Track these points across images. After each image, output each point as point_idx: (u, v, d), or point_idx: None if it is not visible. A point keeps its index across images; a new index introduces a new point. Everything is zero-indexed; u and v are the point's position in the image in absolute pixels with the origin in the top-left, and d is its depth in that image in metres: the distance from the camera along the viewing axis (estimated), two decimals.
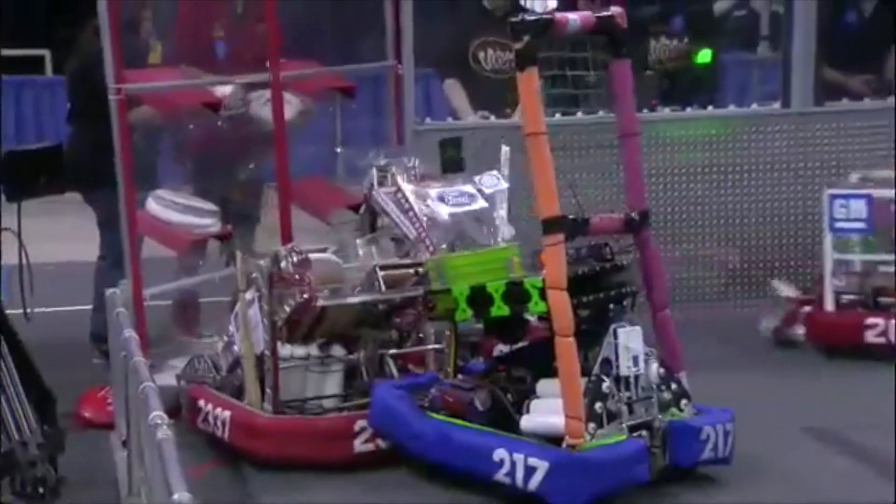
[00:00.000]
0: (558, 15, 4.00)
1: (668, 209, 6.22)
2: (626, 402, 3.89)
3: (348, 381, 4.43)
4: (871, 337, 5.41)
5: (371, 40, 6.16)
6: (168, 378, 4.83)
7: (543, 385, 3.94)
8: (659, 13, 6.74)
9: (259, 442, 4.26)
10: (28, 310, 4.13)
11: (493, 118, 6.31)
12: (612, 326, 3.91)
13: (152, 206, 5.24)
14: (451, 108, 6.60)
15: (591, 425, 3.77)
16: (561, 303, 3.78)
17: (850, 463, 4.31)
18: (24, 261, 4.09)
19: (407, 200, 4.56)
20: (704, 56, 6.85)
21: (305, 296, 4.26)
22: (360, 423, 4.19)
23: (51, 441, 3.95)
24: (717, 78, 7.33)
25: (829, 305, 5.54)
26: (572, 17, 4.04)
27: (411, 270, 4.42)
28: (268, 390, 4.33)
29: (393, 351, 4.46)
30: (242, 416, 4.36)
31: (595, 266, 4.02)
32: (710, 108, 6.52)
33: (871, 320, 5.42)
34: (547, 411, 3.85)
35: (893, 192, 5.46)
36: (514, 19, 3.92)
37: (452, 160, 4.85)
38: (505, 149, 4.84)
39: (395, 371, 4.43)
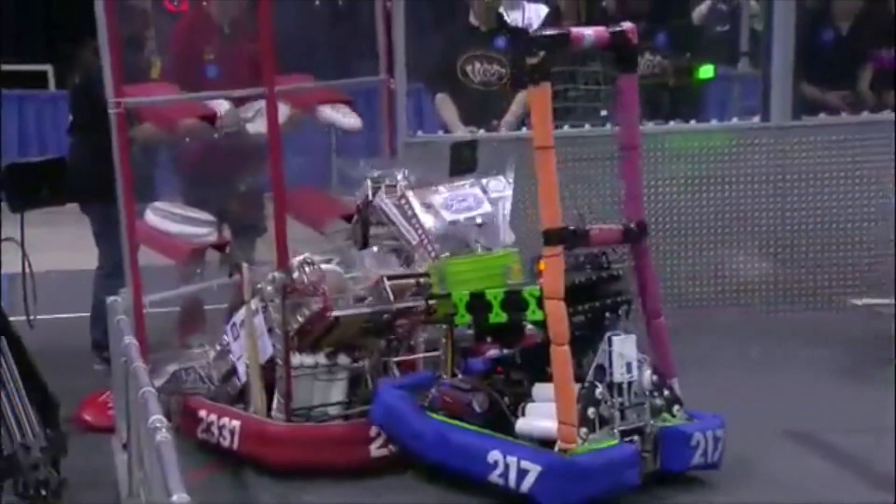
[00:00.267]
0: (574, 31, 4.00)
1: (651, 219, 6.22)
2: (618, 408, 3.91)
3: (352, 388, 4.42)
4: None
5: (364, 56, 6.17)
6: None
7: (539, 389, 3.96)
8: (644, 30, 6.74)
9: (273, 449, 4.24)
10: (31, 317, 4.11)
11: (481, 131, 6.31)
12: (607, 334, 3.93)
13: (150, 217, 5.24)
14: (442, 122, 6.61)
15: (584, 430, 3.79)
16: (557, 312, 3.80)
17: (832, 466, 4.33)
18: (27, 269, 4.08)
19: (411, 208, 4.54)
20: (707, 71, 6.86)
21: (320, 306, 4.26)
22: (376, 429, 4.20)
23: (53, 444, 3.93)
24: (700, 93, 7.34)
25: None
26: (587, 32, 4.03)
27: (413, 280, 4.41)
28: (279, 398, 4.31)
29: (397, 358, 4.46)
30: (254, 425, 4.35)
31: (592, 275, 4.03)
32: (692, 121, 6.54)
33: None
34: (541, 415, 3.87)
35: None
36: (532, 34, 3.96)
37: (465, 162, 4.83)
38: (512, 157, 4.82)
39: (398, 376, 4.44)
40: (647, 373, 4.00)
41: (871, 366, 5.41)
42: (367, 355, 4.43)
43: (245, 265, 4.64)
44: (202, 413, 4.52)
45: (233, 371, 4.63)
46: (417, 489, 4.09)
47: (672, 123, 6.39)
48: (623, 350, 3.92)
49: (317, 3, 5.84)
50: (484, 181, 4.70)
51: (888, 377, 5.26)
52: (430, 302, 4.24)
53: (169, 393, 4.67)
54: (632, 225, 4.14)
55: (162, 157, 5.89)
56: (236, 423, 4.38)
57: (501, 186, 4.67)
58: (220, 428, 4.42)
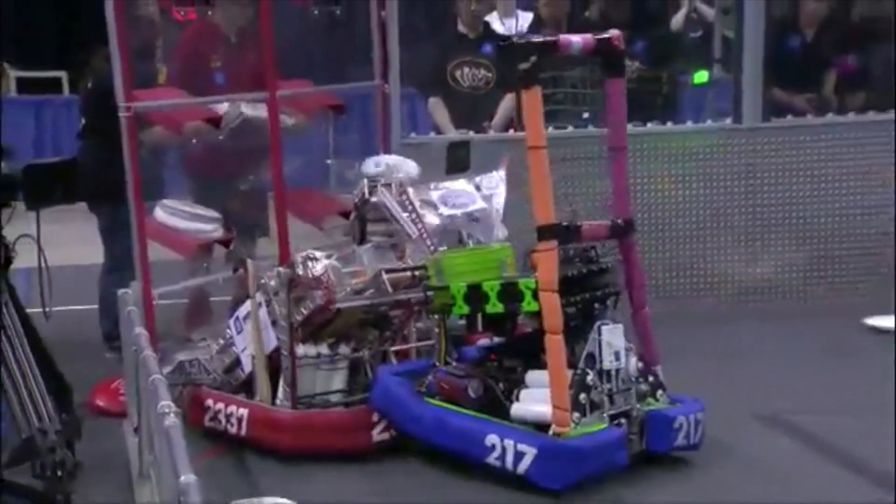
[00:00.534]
0: (563, 38, 4.01)
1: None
2: (607, 394, 3.92)
3: (352, 376, 4.40)
4: None
5: (360, 62, 6.17)
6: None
7: (532, 376, 3.97)
8: (624, 37, 6.73)
9: (281, 435, 4.26)
10: (47, 309, 4.10)
11: (471, 133, 6.30)
12: (597, 324, 3.94)
13: (160, 214, 5.23)
14: (434, 124, 6.61)
15: (576, 414, 3.80)
16: (552, 303, 3.81)
17: (799, 446, 4.34)
18: (43, 264, 4.07)
19: (411, 203, 4.52)
20: (701, 77, 6.84)
21: (323, 299, 4.24)
22: (377, 415, 4.20)
23: (68, 428, 3.93)
24: (676, 97, 7.34)
25: None
26: (575, 39, 4.04)
27: (409, 274, 4.40)
28: (285, 387, 4.30)
29: (395, 347, 4.45)
30: (262, 413, 4.35)
31: (582, 269, 4.03)
32: (669, 123, 6.54)
33: None
34: (535, 400, 3.88)
35: None
36: (523, 41, 3.93)
37: (460, 161, 4.82)
38: (506, 157, 4.81)
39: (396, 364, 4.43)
40: (633, 360, 4.02)
41: (838, 352, 5.42)
42: (366, 345, 4.41)
43: (249, 261, 4.62)
44: (209, 402, 4.51)
45: (236, 362, 4.61)
46: (417, 472, 4.09)
47: (650, 125, 6.38)
48: (611, 339, 3.93)
49: (315, 13, 5.82)
50: (477, 179, 4.69)
51: (854, 362, 5.30)
52: (428, 294, 4.23)
53: (174, 383, 4.61)
54: (619, 221, 4.15)
55: (170, 158, 5.89)
56: (244, 411, 4.38)
57: (494, 184, 4.67)
58: (228, 416, 4.42)
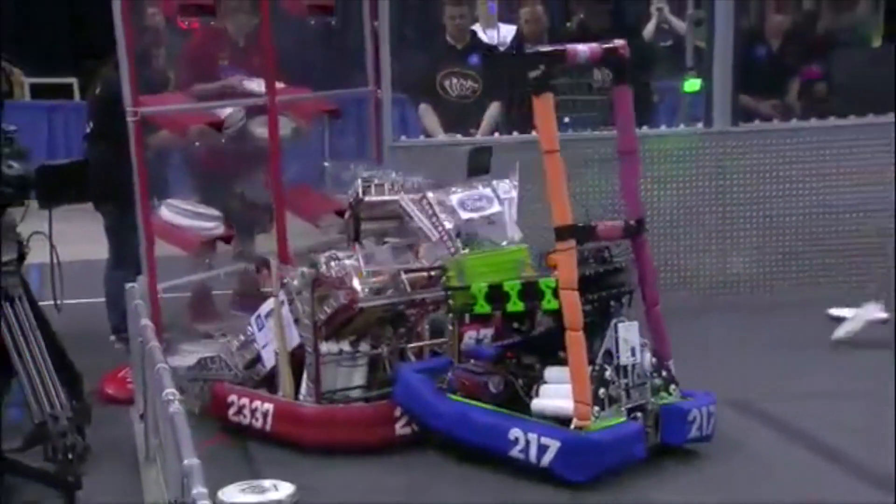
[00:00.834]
0: (570, 47, 3.94)
1: (609, 216, 6.20)
2: (624, 388, 3.87)
3: (371, 372, 4.32)
4: None
5: (355, 70, 6.15)
6: (180, 361, 4.79)
7: (551, 372, 3.90)
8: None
9: (306, 430, 4.17)
10: (58, 302, 4.08)
11: (458, 136, 6.29)
12: (613, 321, 3.88)
13: (165, 212, 5.20)
14: (424, 129, 6.59)
15: (596, 408, 3.75)
16: (572, 301, 3.75)
17: (772, 432, 4.34)
18: (55, 259, 4.05)
19: (430, 206, 4.42)
20: (693, 85, 6.81)
21: (347, 298, 4.15)
22: (400, 410, 4.13)
23: (79, 414, 3.92)
24: (652, 102, 7.34)
25: None
26: (581, 48, 3.97)
27: (425, 274, 4.32)
28: (308, 383, 4.21)
29: (413, 344, 4.38)
30: (287, 408, 4.26)
31: (599, 268, 3.98)
32: (644, 127, 6.53)
33: None
34: (555, 395, 3.83)
35: None
36: (530, 50, 3.89)
37: (481, 165, 4.75)
38: (517, 163, 4.74)
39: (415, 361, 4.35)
40: (647, 356, 3.96)
41: (804, 342, 5.43)
42: (384, 342, 4.33)
43: (273, 261, 4.51)
44: (232, 397, 4.40)
45: (257, 359, 4.51)
46: (438, 465, 4.02)
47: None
48: (627, 336, 3.88)
49: (312, 23, 5.81)
50: (494, 182, 4.58)
51: (818, 351, 5.31)
52: (448, 293, 4.14)
53: (195, 378, 4.58)
54: (632, 222, 4.08)
55: (175, 160, 5.86)
56: (269, 406, 4.29)
57: (508, 187, 4.57)
58: (253, 411, 4.32)
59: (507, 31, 6.87)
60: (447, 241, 4.33)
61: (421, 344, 4.40)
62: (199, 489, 2.39)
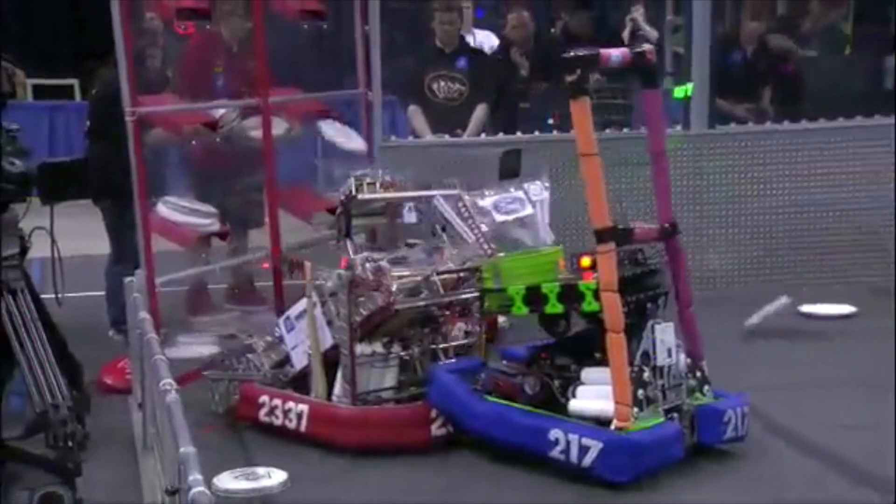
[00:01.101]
0: (603, 51, 3.85)
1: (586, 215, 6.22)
2: (661, 389, 3.78)
3: (401, 373, 4.21)
4: None
5: (346, 72, 6.15)
6: (176, 352, 4.78)
7: (588, 373, 3.82)
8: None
9: (342, 431, 4.05)
10: (59, 295, 4.07)
11: (445, 137, 6.30)
12: (650, 322, 3.80)
13: (162, 209, 5.20)
14: (412, 129, 6.59)
15: (635, 410, 3.67)
16: (614, 303, 3.67)
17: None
18: (56, 254, 4.04)
19: (467, 210, 4.29)
20: (681, 91, 6.77)
21: (383, 300, 4.04)
22: (436, 411, 4.03)
23: (79, 404, 3.90)
24: (633, 105, 7.36)
25: None
26: (615, 53, 3.88)
27: (456, 275, 4.21)
28: (344, 384, 4.09)
29: (442, 345, 4.25)
30: (324, 409, 4.13)
31: (636, 270, 3.88)
32: (625, 130, 6.54)
33: None
34: (594, 396, 3.75)
35: None
36: (567, 55, 3.75)
37: (512, 168, 4.66)
38: (546, 165, 4.66)
39: (445, 361, 4.24)
40: (682, 357, 3.87)
41: (777, 335, 5.45)
42: (415, 344, 4.21)
43: (308, 264, 4.33)
44: (264, 398, 4.27)
45: (286, 359, 4.40)
46: (474, 465, 3.93)
47: (608, 131, 6.39)
48: (664, 337, 3.79)
49: (305, 26, 5.80)
50: (525, 185, 4.44)
51: (791, 344, 5.33)
52: (483, 295, 4.03)
53: (218, 379, 4.47)
54: (666, 224, 3.98)
55: (172, 158, 5.85)
56: (304, 407, 4.16)
57: (539, 189, 4.45)
58: (286, 412, 4.19)
59: (483, 37, 6.87)
60: (483, 244, 4.19)
61: (451, 345, 4.28)
62: (194, 476, 2.38)
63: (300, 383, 4.31)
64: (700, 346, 4.03)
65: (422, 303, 4.14)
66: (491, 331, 5.26)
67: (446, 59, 6.48)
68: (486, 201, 4.27)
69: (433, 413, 4.02)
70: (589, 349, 3.82)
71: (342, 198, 5.38)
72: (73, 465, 3.67)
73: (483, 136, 6.34)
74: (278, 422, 4.21)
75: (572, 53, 3.77)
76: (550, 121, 6.53)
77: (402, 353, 4.17)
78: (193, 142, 5.52)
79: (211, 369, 4.53)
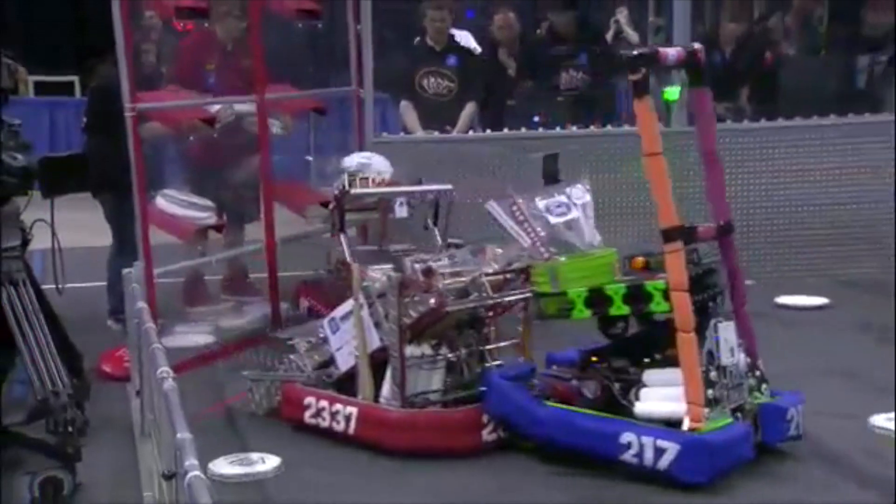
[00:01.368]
0: (661, 50, 3.75)
1: None
2: (726, 388, 3.65)
3: (448, 376, 4.04)
4: None
5: (338, 70, 6.13)
6: (173, 341, 4.77)
7: (650, 375, 3.69)
8: (568, 51, 6.76)
9: (393, 434, 3.88)
10: (60, 286, 4.05)
11: (435, 133, 6.28)
12: (713, 321, 3.66)
13: (160, 202, 5.18)
14: (403, 125, 6.57)
15: (705, 410, 3.53)
16: (684, 303, 3.53)
17: None
18: (56, 245, 4.02)
19: (522, 213, 4.07)
20: (672, 93, 6.74)
21: (437, 302, 3.86)
22: (487, 415, 3.88)
23: (78, 391, 3.89)
24: (615, 103, 7.36)
25: None
26: (671, 51, 3.77)
27: (502, 277, 4.02)
28: (394, 387, 3.91)
29: (489, 347, 4.10)
30: (374, 412, 3.95)
31: (698, 270, 3.73)
32: (608, 126, 6.54)
33: None
34: (661, 398, 3.63)
35: None
36: (631, 54, 3.62)
37: (552, 172, 4.56)
38: (585, 169, 4.52)
39: (492, 363, 4.10)
40: (742, 355, 3.74)
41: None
42: (461, 345, 4.04)
43: (355, 265, 4.11)
44: (310, 399, 4.10)
45: (330, 361, 4.20)
46: (526, 468, 3.78)
47: (592, 128, 6.38)
48: (727, 336, 3.66)
49: (300, 25, 5.79)
50: (567, 189, 4.20)
51: (767, 335, 5.33)
52: (539, 299, 3.86)
53: (258, 380, 4.32)
54: (722, 222, 3.86)
55: (171, 153, 5.83)
56: (352, 410, 3.98)
57: (581, 192, 4.31)
58: (334, 413, 4.02)
59: (460, 37, 6.85)
60: (540, 247, 3.98)
61: (496, 346, 4.14)
62: (190, 461, 2.37)
63: (343, 385, 4.14)
64: (755, 345, 3.89)
65: (472, 304, 3.97)
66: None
67: (437, 56, 6.47)
68: (539, 204, 4.07)
69: (485, 417, 3.87)
70: (644, 351, 3.69)
71: (336, 192, 5.38)
72: (73, 451, 3.67)
73: (471, 132, 6.33)
74: (325, 423, 4.05)
75: (635, 52, 3.65)
76: (536, 118, 6.52)
77: (450, 355, 4.01)
78: (191, 137, 5.50)
79: (250, 370, 4.37)
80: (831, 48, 7.35)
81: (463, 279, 3.96)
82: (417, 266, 3.91)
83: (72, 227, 4.16)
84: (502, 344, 4.13)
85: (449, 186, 5.39)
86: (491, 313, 4.08)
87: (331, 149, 5.88)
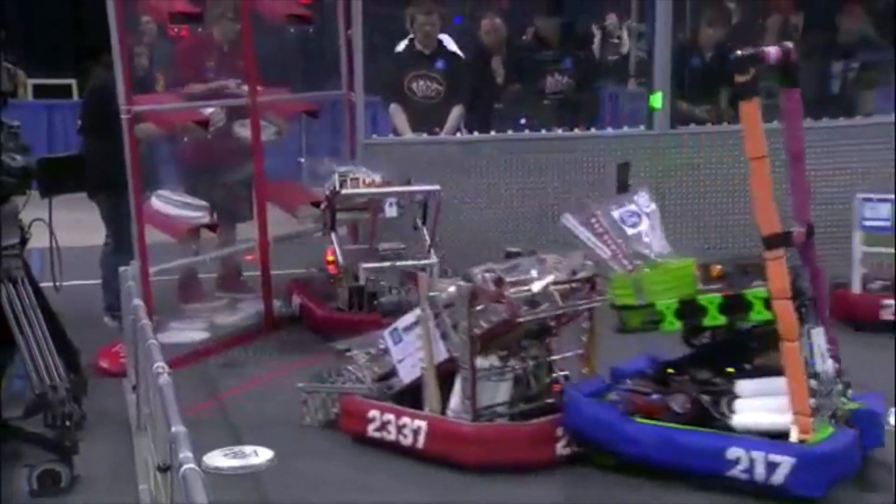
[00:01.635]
0: (763, 49, 3.56)
1: (557, 209, 6.22)
2: (822, 396, 3.48)
3: (514, 387, 3.86)
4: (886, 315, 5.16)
5: (330, 74, 6.13)
6: (168, 337, 4.76)
7: (744, 385, 3.52)
8: (553, 56, 6.77)
9: (465, 448, 3.68)
10: (57, 283, 4.04)
11: (424, 135, 6.28)
12: (806, 328, 3.49)
13: (155, 202, 5.17)
14: (393, 127, 6.57)
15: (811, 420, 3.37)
16: (787, 311, 3.38)
17: None
18: (54, 244, 4.01)
19: (601, 225, 3.88)
20: (655, 100, 6.70)
21: (509, 313, 3.69)
22: (562, 429, 3.70)
23: (76, 386, 3.88)
24: (599, 106, 7.37)
25: (857, 289, 5.34)
26: (772, 51, 3.57)
27: (569, 286, 3.86)
28: (465, 399, 3.72)
29: (556, 357, 3.94)
30: (445, 425, 3.75)
31: (791, 275, 3.50)
32: (592, 129, 6.55)
33: (886, 301, 5.19)
34: (759, 409, 3.46)
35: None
36: (739, 55, 3.44)
37: (623, 182, 4.37)
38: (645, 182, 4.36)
39: (559, 375, 3.95)
40: (830, 361, 3.56)
41: None
42: (529, 356, 3.87)
43: (422, 275, 3.96)
44: (373, 413, 3.88)
45: (391, 372, 4.00)
46: (600, 481, 3.61)
47: (576, 130, 6.39)
48: (819, 342, 3.50)
49: (292, 30, 5.79)
50: (635, 197, 4.05)
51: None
52: (621, 312, 3.64)
53: (314, 391, 4.13)
54: (805, 225, 3.65)
55: (165, 155, 5.81)
56: (421, 423, 3.77)
57: (646, 202, 4.03)
58: (401, 427, 3.81)
59: (449, 41, 6.85)
60: (622, 259, 3.75)
61: (562, 356, 3.96)
62: (185, 454, 2.36)
63: (403, 397, 3.94)
64: (837, 350, 3.69)
65: (543, 314, 3.79)
66: None
67: (425, 60, 6.46)
68: (614, 215, 3.90)
69: (558, 431, 3.69)
70: (727, 360, 3.51)
71: (327, 193, 5.38)
72: (70, 444, 3.66)
73: (459, 134, 6.34)
74: (390, 437, 3.84)
75: (742, 52, 3.45)
76: (523, 121, 6.53)
77: (518, 367, 3.83)
78: (185, 139, 5.49)
79: (306, 383, 4.18)
80: (806, 54, 7.37)
81: (527, 288, 3.76)
82: (488, 276, 3.71)
83: (69, 226, 4.15)
84: (567, 354, 3.96)
85: (437, 187, 5.42)
86: (554, 323, 3.91)
87: (322, 150, 5.86)
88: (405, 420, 3.80)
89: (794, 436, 3.35)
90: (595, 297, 3.86)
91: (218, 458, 3.82)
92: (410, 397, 3.91)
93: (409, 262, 5.24)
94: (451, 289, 3.75)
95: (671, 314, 3.57)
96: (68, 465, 3.62)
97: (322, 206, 5.40)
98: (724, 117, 6.76)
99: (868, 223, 5.30)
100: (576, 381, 3.90)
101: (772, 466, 3.30)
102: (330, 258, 5.26)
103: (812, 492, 3.28)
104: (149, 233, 4.88)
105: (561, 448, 3.70)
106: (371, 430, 3.89)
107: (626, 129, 6.68)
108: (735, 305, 3.50)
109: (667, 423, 3.50)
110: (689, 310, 3.55)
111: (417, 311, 3.89)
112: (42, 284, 3.97)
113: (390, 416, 3.84)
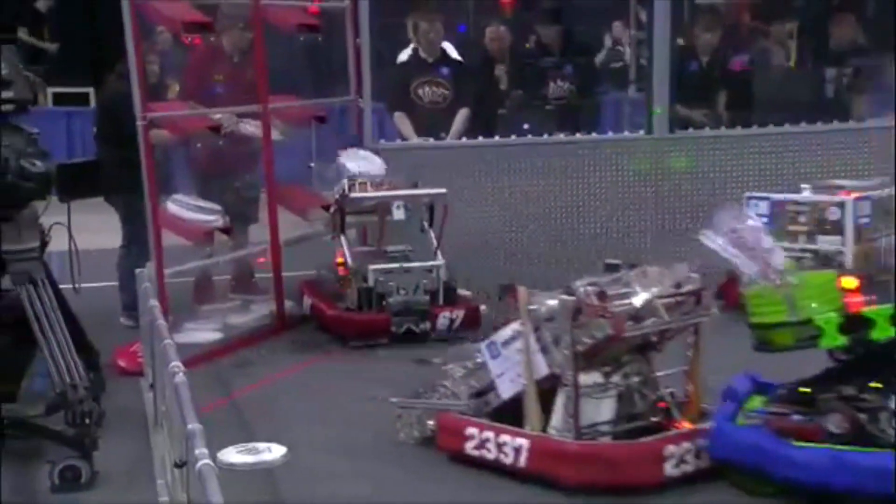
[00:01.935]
0: None
1: (557, 207, 6.22)
2: None
3: (618, 405, 3.64)
4: None
5: (338, 81, 6.14)
6: (183, 337, 4.77)
7: None
8: (555, 62, 6.77)
9: (569, 468, 3.46)
10: (76, 285, 4.05)
11: (431, 140, 6.29)
12: None
13: (171, 206, 5.19)
14: (399, 133, 6.57)
15: None
16: None
17: None
18: (73, 247, 4.02)
19: (744, 238, 3.58)
20: (657, 110, 6.66)
21: (615, 328, 3.46)
22: (670, 449, 3.46)
23: (95, 384, 3.90)
24: (599, 112, 7.36)
25: None
26: None
27: (674, 300, 3.63)
28: (567, 417, 3.51)
29: (660, 373, 3.70)
30: (548, 444, 3.52)
31: None
32: (593, 133, 6.54)
33: None
34: None
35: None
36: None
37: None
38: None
39: (664, 392, 3.69)
40: None
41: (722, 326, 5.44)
42: (633, 372, 3.66)
43: (521, 289, 3.66)
44: (472, 430, 3.67)
45: (488, 387, 3.77)
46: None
47: (578, 135, 6.39)
48: None
49: (302, 39, 5.80)
50: (744, 210, 3.91)
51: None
52: (769, 331, 3.40)
53: (408, 407, 3.94)
54: None
55: (180, 160, 5.83)
56: (522, 442, 3.54)
57: (752, 213, 3.86)
58: (501, 445, 3.58)
59: (450, 48, 6.85)
60: (770, 273, 3.47)
61: (665, 373, 3.73)
62: (200, 450, 2.37)
63: (501, 413, 3.72)
64: None
65: (650, 329, 3.56)
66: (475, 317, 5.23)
67: (429, 67, 6.47)
68: (748, 227, 3.62)
69: (667, 451, 3.46)
70: (870, 375, 3.31)
71: (337, 196, 5.39)
72: (90, 441, 3.66)
73: (464, 139, 6.33)
74: (490, 455, 3.62)
75: None
76: (526, 126, 6.53)
77: (622, 384, 3.63)
78: (199, 144, 5.50)
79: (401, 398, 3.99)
80: (802, 60, 7.37)
81: (628, 301, 3.53)
82: (591, 289, 3.50)
83: (87, 229, 4.15)
84: (670, 371, 3.73)
85: (443, 190, 5.42)
86: (657, 338, 3.68)
87: (332, 155, 5.87)
88: (505, 438, 3.59)
89: None
90: (701, 310, 3.63)
91: (232, 454, 3.82)
92: (509, 413, 3.68)
93: (416, 264, 5.25)
94: (552, 302, 3.56)
95: (833, 329, 3.32)
96: (88, 462, 3.63)
97: (332, 209, 5.41)
98: (720, 121, 6.77)
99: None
100: (714, 406, 3.61)
101: None
102: (340, 260, 5.27)
103: None
104: (164, 236, 4.89)
105: (671, 468, 3.46)
106: (469, 447, 3.68)
107: (626, 133, 6.67)
108: None
109: (828, 445, 3.29)
110: (854, 323, 3.31)
111: (515, 325, 3.66)
112: (61, 286, 3.99)
113: (489, 434, 3.63)
